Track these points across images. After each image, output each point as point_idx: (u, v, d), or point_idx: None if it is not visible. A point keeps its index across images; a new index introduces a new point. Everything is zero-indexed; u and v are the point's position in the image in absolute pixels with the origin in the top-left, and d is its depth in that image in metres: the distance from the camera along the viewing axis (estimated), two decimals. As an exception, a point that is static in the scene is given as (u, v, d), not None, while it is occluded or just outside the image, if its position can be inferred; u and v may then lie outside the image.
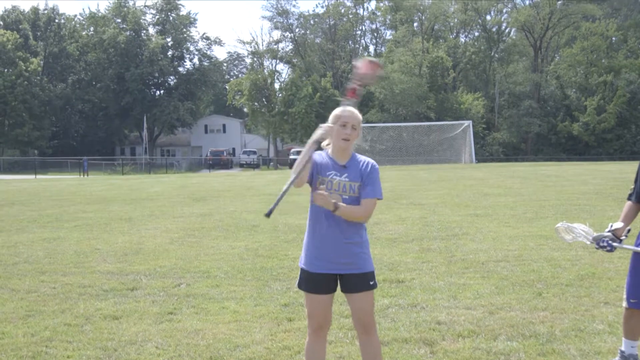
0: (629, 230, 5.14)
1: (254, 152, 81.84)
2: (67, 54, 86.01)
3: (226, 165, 72.97)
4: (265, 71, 79.93)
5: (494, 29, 78.27)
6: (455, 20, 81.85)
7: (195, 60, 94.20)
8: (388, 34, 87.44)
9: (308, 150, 4.35)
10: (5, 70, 74.04)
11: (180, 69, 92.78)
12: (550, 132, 67.06)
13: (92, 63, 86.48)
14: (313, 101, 69.04)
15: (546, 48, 76.17)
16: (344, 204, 4.32)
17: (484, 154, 63.15)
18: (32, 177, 46.49)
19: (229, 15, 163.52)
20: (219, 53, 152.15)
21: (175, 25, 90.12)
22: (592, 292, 7.56)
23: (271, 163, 78.18)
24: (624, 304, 5.20)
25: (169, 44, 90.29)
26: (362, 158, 4.52)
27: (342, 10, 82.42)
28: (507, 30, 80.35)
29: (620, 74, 64.50)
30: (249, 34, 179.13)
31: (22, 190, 27.95)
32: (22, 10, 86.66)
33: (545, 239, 11.15)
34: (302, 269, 4.52)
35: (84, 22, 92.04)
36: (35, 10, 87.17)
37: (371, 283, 4.48)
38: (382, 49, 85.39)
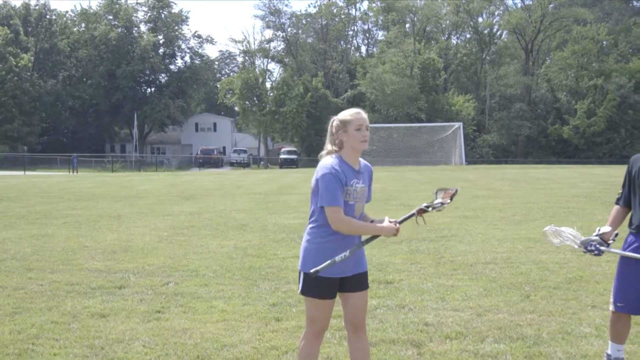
0: (616, 235, 5.17)
1: (245, 151, 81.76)
2: (58, 50, 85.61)
3: (216, 163, 72.85)
4: (257, 70, 79.76)
5: (485, 31, 78.31)
6: (447, 21, 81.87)
7: (187, 58, 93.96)
8: (380, 35, 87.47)
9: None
10: (-4, 65, 73.70)
11: (172, 66, 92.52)
12: (541, 135, 67.14)
13: (83, 59, 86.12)
14: (304, 101, 68.99)
15: (537, 51, 76.27)
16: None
17: (474, 156, 63.23)
18: (21, 173, 46.28)
19: (221, 14, 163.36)
20: (211, 51, 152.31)
21: (167, 22, 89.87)
22: (579, 295, 7.59)
23: (261, 162, 78.12)
24: (611, 307, 5.23)
25: (161, 42, 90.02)
26: (362, 161, 4.56)
27: (335, 11, 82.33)
28: (498, 33, 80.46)
29: (611, 78, 64.58)
30: (241, 32, 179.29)
31: (10, 187, 27.83)
32: (13, 6, 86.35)
33: (534, 242, 11.19)
34: (310, 275, 4.33)
35: (75, 19, 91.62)
36: (26, 5, 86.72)
37: (367, 282, 4.57)
38: (374, 49, 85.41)
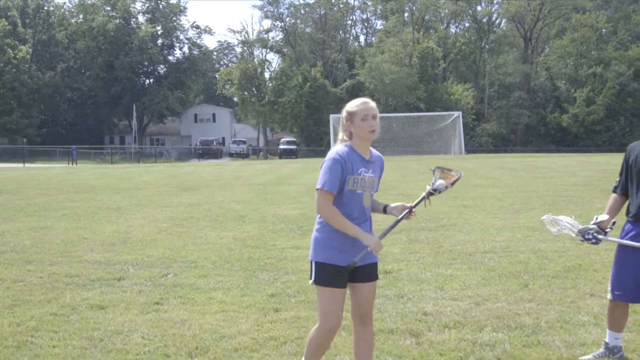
0: (614, 223, 5.17)
1: (244, 142, 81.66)
2: (56, 42, 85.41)
3: (216, 154, 72.80)
4: (256, 60, 79.63)
5: (484, 20, 78.15)
6: (446, 10, 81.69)
7: (185, 49, 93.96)
8: (379, 24, 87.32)
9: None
10: (-6, 57, 73.57)
11: (170, 57, 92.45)
12: (540, 124, 67.11)
13: (81, 51, 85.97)
14: (303, 91, 68.93)
15: (536, 39, 76.18)
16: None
17: (473, 145, 63.19)
18: (20, 165, 46.28)
19: (219, 4, 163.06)
20: (209, 42, 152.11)
21: (165, 13, 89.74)
22: (578, 284, 7.59)
23: (261, 153, 78.10)
24: (609, 295, 5.24)
25: (159, 33, 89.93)
26: (374, 150, 4.55)
27: (333, 0, 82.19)
28: (497, 21, 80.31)
29: (610, 66, 64.52)
30: (239, 23, 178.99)
31: (10, 179, 27.82)
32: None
33: (533, 231, 11.19)
34: (324, 264, 4.35)
35: (73, 10, 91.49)
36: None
37: (377, 273, 4.59)
38: (373, 38, 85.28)
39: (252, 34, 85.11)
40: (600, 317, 6.24)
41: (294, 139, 72.81)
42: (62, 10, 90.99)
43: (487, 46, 77.60)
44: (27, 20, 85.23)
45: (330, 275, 4.34)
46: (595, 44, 68.18)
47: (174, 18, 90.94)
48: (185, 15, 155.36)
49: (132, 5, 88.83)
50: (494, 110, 69.55)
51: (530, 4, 70.80)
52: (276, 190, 20.42)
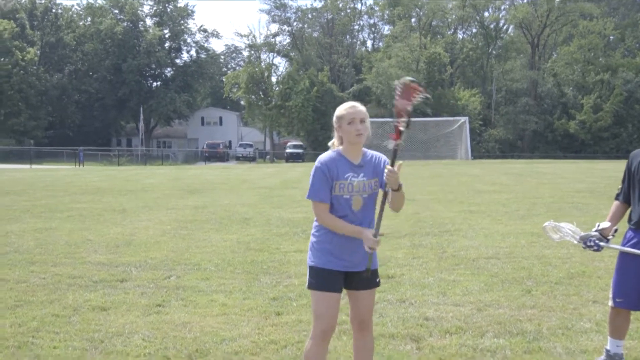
0: (616, 230, 5.15)
1: (251, 145, 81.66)
2: (64, 44, 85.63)
3: (222, 157, 72.86)
4: (263, 64, 79.67)
5: (491, 26, 78.20)
6: (453, 16, 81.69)
7: (193, 52, 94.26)
8: (386, 29, 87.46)
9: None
10: (2, 59, 73.72)
11: (177, 60, 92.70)
12: (547, 130, 67.06)
13: (89, 53, 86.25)
14: (310, 95, 68.95)
15: (544, 45, 76.13)
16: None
17: (480, 151, 63.18)
18: (27, 167, 46.39)
19: (227, 8, 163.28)
20: (217, 45, 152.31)
21: (173, 17, 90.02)
22: (581, 291, 7.57)
23: (267, 156, 78.10)
24: (610, 302, 5.22)
25: (166, 36, 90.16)
26: (372, 153, 4.46)
27: (340, 5, 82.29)
28: (504, 27, 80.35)
29: (617, 73, 64.49)
30: (247, 26, 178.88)
31: (16, 180, 27.91)
32: (19, 0, 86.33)
33: (537, 237, 11.16)
34: (316, 268, 4.33)
35: (81, 13, 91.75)
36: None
37: (377, 280, 4.49)
38: (380, 44, 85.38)
39: (260, 38, 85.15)
40: (602, 324, 6.21)
41: (301, 143, 72.78)
42: (70, 12, 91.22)
43: (494, 52, 77.62)
44: (35, 23, 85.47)
45: (323, 279, 4.29)
46: (603, 51, 68.17)
47: (182, 21, 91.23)
48: (193, 19, 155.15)
49: (140, 9, 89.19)
50: (501, 116, 69.52)
51: (538, 10, 70.78)
52: (282, 194, 20.43)
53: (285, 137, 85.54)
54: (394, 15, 79.01)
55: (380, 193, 4.39)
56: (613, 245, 5.09)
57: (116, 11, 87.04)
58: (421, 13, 76.62)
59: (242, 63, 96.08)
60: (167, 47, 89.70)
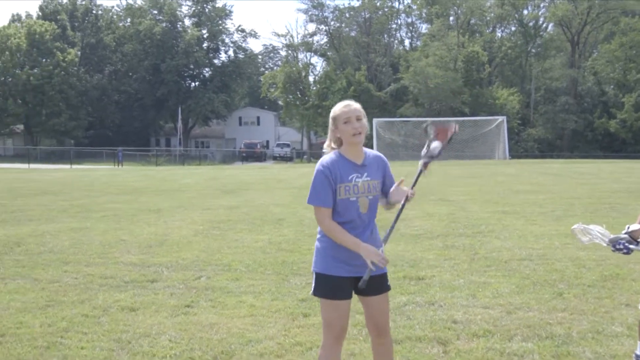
0: (646, 232, 5.04)
1: (288, 145, 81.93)
2: (103, 45, 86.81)
3: (259, 157, 73.24)
4: (300, 64, 79.99)
5: (530, 24, 77.40)
6: (492, 14, 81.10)
7: (230, 52, 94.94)
8: (423, 28, 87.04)
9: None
10: (43, 60, 75.00)
11: (215, 60, 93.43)
12: (587, 129, 66.26)
13: (128, 54, 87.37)
14: (347, 94, 68.87)
15: (584, 43, 75.19)
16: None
17: (518, 150, 62.62)
18: (67, 167, 47.06)
19: (265, 8, 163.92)
20: (254, 45, 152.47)
21: (211, 17, 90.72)
22: (614, 294, 7.43)
23: (304, 156, 78.29)
24: (640, 307, 5.12)
25: (205, 36, 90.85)
26: (371, 152, 4.34)
27: (378, 4, 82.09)
28: (544, 25, 79.50)
29: (659, 71, 63.58)
30: (284, 26, 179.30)
31: (55, 180, 28.32)
32: (60, 1, 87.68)
33: (571, 238, 10.96)
34: (323, 275, 4.19)
35: (121, 14, 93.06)
36: (73, 1, 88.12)
37: (388, 284, 4.36)
38: (418, 42, 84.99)
39: (297, 38, 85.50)
40: (634, 328, 6.09)
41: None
42: (110, 14, 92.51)
43: (533, 50, 76.82)
44: (76, 24, 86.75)
45: (329, 286, 4.17)
46: (645, 49, 67.10)
47: (220, 22, 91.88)
48: (231, 19, 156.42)
49: (179, 9, 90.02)
50: (540, 115, 68.82)
51: (578, 7, 69.93)
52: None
53: (322, 137, 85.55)
54: (432, 13, 78.63)
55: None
56: (643, 248, 4.98)
57: (155, 12, 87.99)
58: (459, 11, 76.20)
59: (279, 63, 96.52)
60: (205, 48, 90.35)
